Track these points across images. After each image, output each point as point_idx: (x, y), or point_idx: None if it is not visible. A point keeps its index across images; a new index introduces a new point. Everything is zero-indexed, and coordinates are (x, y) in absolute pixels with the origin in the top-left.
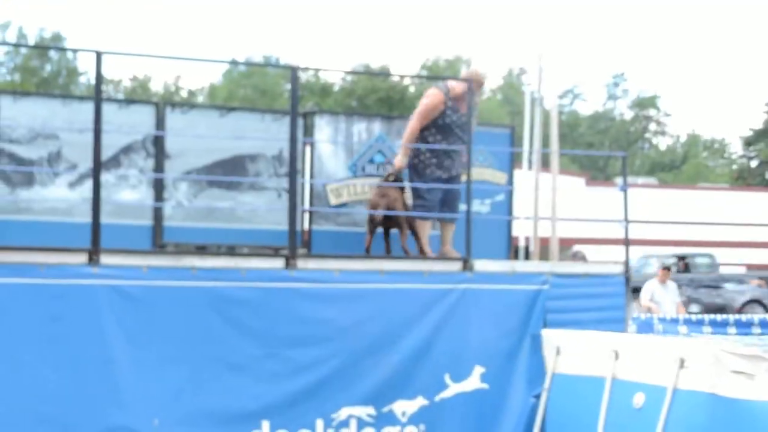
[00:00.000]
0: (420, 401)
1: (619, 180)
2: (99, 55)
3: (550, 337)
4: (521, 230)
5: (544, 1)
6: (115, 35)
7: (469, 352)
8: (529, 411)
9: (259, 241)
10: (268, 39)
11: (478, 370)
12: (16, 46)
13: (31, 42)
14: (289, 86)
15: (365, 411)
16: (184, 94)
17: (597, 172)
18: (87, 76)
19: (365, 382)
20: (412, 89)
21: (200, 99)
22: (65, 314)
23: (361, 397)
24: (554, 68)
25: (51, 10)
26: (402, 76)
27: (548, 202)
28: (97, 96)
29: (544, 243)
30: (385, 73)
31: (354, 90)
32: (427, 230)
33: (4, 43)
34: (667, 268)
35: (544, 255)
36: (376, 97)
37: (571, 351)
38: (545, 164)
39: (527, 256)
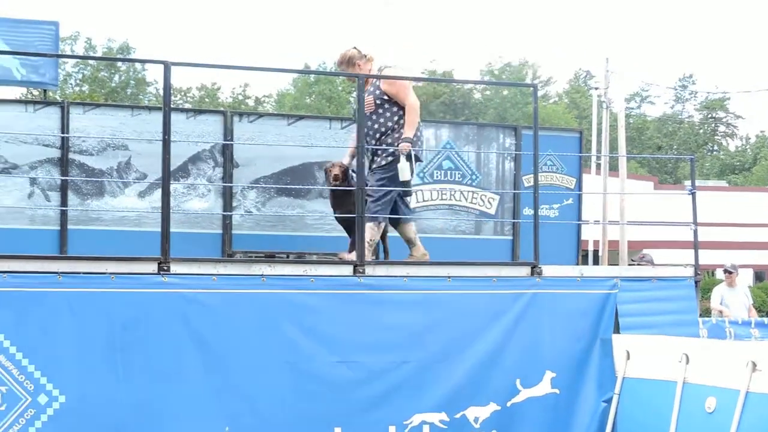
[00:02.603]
0: (492, 407)
1: (688, 183)
2: (167, 65)
3: (620, 341)
4: (590, 234)
5: (610, 4)
6: (183, 44)
7: (540, 357)
8: (600, 416)
9: (328, 248)
10: (335, 46)
11: (549, 375)
12: (85, 58)
13: (100, 53)
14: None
15: (438, 417)
16: (251, 102)
17: (666, 175)
18: (155, 86)
19: (437, 388)
20: (477, 95)
21: (268, 107)
22: (136, 323)
23: (433, 403)
24: (621, 71)
25: (119, 21)
26: (464, 82)
27: (617, 205)
28: (166, 106)
29: (613, 247)
30: (448, 80)
31: (417, 95)
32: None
33: (73, 56)
34: (729, 272)
35: (613, 259)
36: (439, 102)
37: (641, 355)
38: (613, 168)
39: (596, 260)
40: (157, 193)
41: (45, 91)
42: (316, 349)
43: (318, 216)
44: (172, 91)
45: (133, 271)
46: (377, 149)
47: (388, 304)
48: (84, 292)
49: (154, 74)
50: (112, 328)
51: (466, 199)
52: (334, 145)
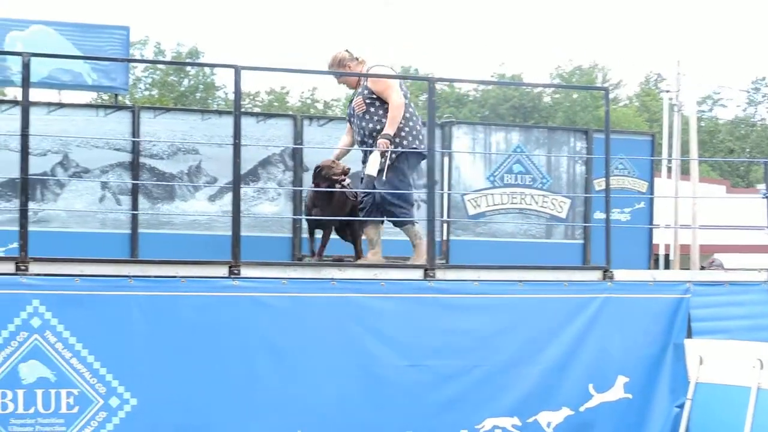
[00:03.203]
0: (565, 412)
1: (760, 187)
2: (238, 70)
3: (693, 346)
4: (661, 238)
5: (682, 6)
6: (251, 48)
7: (612, 362)
8: (673, 421)
9: (397, 252)
10: (404, 50)
11: (622, 379)
12: (155, 62)
13: (169, 58)
14: (424, 97)
15: (510, 422)
16: (320, 105)
17: (738, 179)
18: (224, 90)
19: (509, 393)
20: (546, 98)
21: (336, 110)
22: (206, 326)
23: (505, 407)
24: (693, 74)
25: (188, 25)
26: (535, 85)
27: (689, 209)
28: (236, 110)
29: (685, 251)
30: (519, 83)
31: (486, 99)
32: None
33: (144, 60)
34: None
35: (685, 263)
36: (508, 105)
37: (714, 360)
38: (685, 172)
39: (667, 265)
40: (228, 197)
41: (116, 95)
42: (387, 353)
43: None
44: (241, 95)
45: (203, 275)
46: (371, 150)
47: (459, 308)
48: (155, 295)
49: (222, 78)
50: (182, 332)
51: (537, 203)
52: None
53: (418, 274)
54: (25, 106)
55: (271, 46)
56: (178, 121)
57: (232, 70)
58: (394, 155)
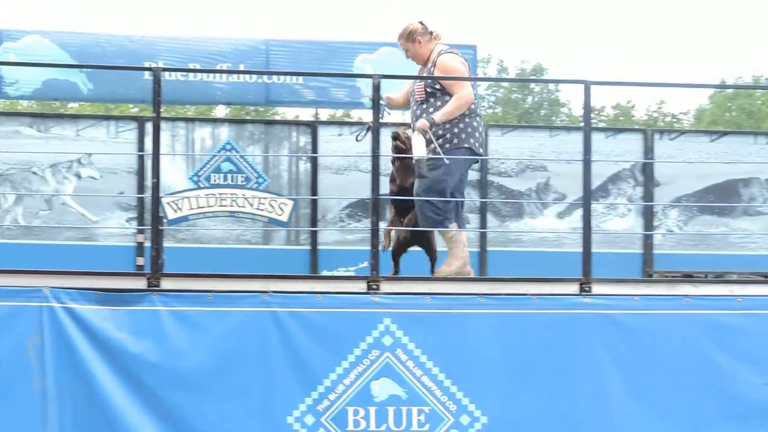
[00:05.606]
0: None
1: None
2: (587, 85)
3: None
4: None
5: None
6: (594, 63)
7: None
8: None
9: (751, 267)
10: (756, 59)
11: None
12: (498, 80)
13: (512, 75)
14: None
15: None
16: (667, 119)
17: None
18: (567, 107)
19: None
20: None
21: (684, 123)
22: (557, 344)
23: None
24: None
25: (531, 42)
26: None
27: None
28: (586, 126)
29: None
30: None
31: None
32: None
33: (489, 79)
34: None
35: None
36: None
37: None
38: None
39: None
40: (576, 214)
41: None
42: (743, 371)
43: (743, 234)
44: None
45: (554, 292)
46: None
47: None
48: (505, 313)
49: (566, 94)
50: (532, 349)
51: None
52: (759, 160)
53: None
54: (376, 127)
55: (612, 58)
56: (526, 138)
57: (580, 86)
58: (434, 145)
